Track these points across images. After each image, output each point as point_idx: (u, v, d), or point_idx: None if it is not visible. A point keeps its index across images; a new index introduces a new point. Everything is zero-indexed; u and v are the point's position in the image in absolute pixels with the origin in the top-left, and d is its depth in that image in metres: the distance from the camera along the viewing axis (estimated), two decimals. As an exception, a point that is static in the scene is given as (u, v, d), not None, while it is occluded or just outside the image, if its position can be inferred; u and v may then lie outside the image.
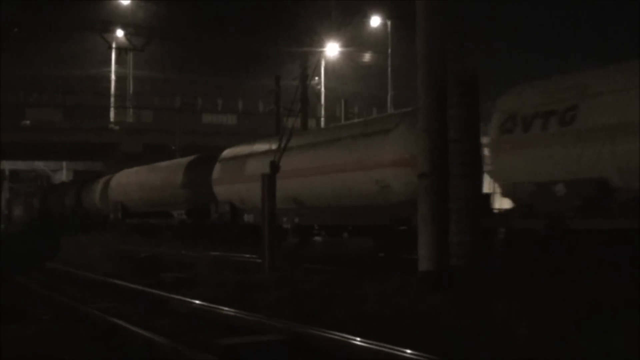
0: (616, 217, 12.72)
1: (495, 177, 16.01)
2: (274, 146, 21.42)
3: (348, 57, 60.60)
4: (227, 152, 28.38)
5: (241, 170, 25.72)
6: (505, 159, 15.17)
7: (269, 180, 16.55)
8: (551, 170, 14.23)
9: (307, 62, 36.80)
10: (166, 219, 32.38)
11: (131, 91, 61.05)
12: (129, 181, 36.99)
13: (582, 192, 13.57)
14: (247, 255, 20.77)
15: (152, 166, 36.04)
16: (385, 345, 7.18)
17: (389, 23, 59.77)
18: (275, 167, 16.84)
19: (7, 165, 79.51)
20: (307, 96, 34.81)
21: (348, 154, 19.87)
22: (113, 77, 59.94)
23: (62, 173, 76.61)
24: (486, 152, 15.83)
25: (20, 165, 77.98)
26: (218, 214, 27.55)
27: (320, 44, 55.37)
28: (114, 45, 50.53)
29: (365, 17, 58.90)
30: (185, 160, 32.10)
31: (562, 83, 15.21)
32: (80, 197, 45.32)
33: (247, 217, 25.39)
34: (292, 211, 22.32)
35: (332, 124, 24.37)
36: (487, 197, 16.70)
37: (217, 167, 27.85)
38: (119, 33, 51.40)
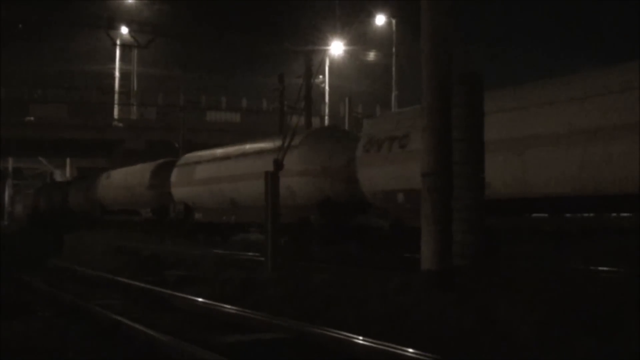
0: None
1: (361, 186, 20.39)
2: (218, 154, 29.14)
3: (352, 55, 60.60)
4: (183, 159, 33.36)
5: (192, 175, 30.48)
6: (366, 172, 20.13)
7: (272, 178, 16.53)
8: (394, 182, 18.91)
9: (312, 61, 36.78)
10: (135, 216, 36.38)
11: (135, 88, 61.09)
12: (107, 182, 40.73)
13: (414, 199, 15.59)
14: (250, 254, 20.87)
15: (126, 169, 39.63)
16: (387, 344, 7.18)
17: (393, 22, 59.74)
18: (279, 164, 16.82)
19: (11, 162, 79.73)
20: (311, 94, 34.74)
21: (268, 163, 20.95)
22: (117, 74, 60.03)
23: (66, 170, 76.67)
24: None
25: (23, 162, 78.05)
26: (175, 212, 31.90)
27: (325, 43, 55.36)
28: (118, 42, 50.54)
29: (370, 15, 58.89)
30: (153, 164, 35.86)
31: (404, 115, 20.24)
32: (68, 196, 48.11)
33: (197, 216, 30.31)
34: (230, 210, 27.34)
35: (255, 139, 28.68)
36: None
37: (175, 172, 32.28)
38: (124, 30, 51.48)
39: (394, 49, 59.56)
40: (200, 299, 11.25)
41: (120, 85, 60.84)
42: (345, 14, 59.40)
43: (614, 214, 14.45)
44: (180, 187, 31.43)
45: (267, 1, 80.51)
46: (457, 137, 11.75)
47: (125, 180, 37.97)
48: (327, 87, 58.78)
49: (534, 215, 16.23)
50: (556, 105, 15.11)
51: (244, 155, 27.12)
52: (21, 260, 13.46)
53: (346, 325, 8.45)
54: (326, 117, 58.16)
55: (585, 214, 14.71)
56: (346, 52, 59.61)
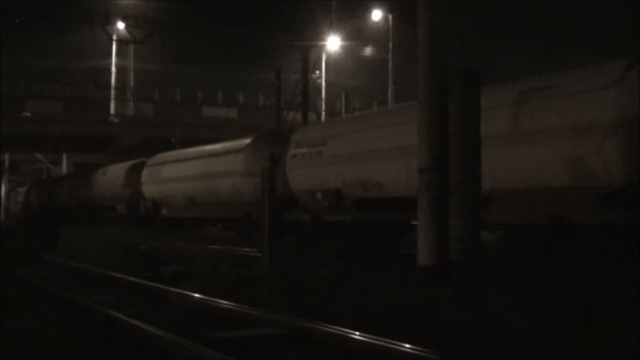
0: (344, 213, 21.74)
1: (290, 186, 23.89)
2: (180, 156, 33.96)
3: (349, 51, 60.58)
4: (151, 160, 37.02)
5: (159, 175, 34.70)
6: (294, 174, 23.93)
7: (269, 174, 16.53)
8: (314, 183, 22.96)
9: (308, 56, 36.74)
10: (111, 212, 40.31)
11: (132, 83, 61.01)
12: (88, 180, 44.85)
13: (329, 197, 22.29)
14: (247, 249, 20.88)
15: (105, 168, 43.82)
16: (383, 339, 7.18)
17: (390, 17, 59.73)
18: (275, 160, 16.84)
19: (7, 157, 79.55)
20: (307, 90, 34.68)
21: (219, 165, 28.81)
22: (114, 69, 59.91)
23: (63, 166, 76.58)
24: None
25: (20, 157, 77.92)
26: (145, 209, 36.07)
27: (322, 38, 55.33)
28: (114, 37, 50.50)
29: (367, 10, 58.87)
30: (128, 164, 39.87)
31: (323, 126, 26.85)
32: (54, 192, 51.40)
33: (164, 211, 34.40)
34: (189, 207, 31.76)
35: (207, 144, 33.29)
36: None
37: (145, 171, 36.37)
38: (120, 25, 51.43)
39: (390, 44, 59.58)
40: (196, 295, 11.25)
41: (117, 81, 60.74)
42: (341, 9, 59.39)
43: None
44: (149, 185, 35.76)
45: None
46: (454, 133, 11.75)
47: (106, 178, 41.99)
48: (323, 83, 58.75)
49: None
50: (396, 126, 19.49)
51: (201, 157, 31.65)
52: (16, 255, 13.40)
53: (343, 320, 8.45)
54: (323, 113, 58.14)
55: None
56: (343, 47, 59.59)
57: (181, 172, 32.48)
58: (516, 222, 16.26)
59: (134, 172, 37.86)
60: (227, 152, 28.93)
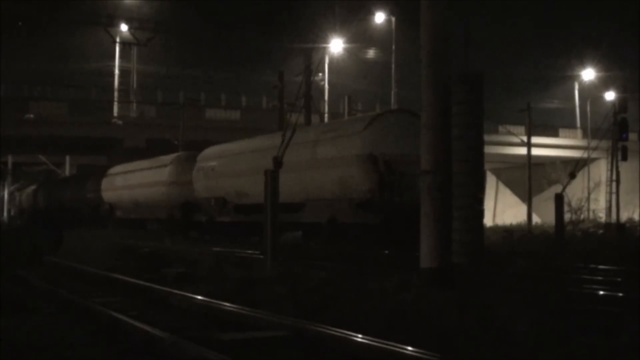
0: (228, 215, 30.09)
1: (196, 194, 32.47)
2: (128, 168, 42.15)
3: (352, 53, 60.57)
4: (109, 170, 45.44)
5: (114, 183, 43.48)
6: (197, 185, 32.47)
7: (272, 177, 16.54)
8: (209, 192, 31.22)
9: (311, 58, 36.81)
10: (78, 213, 47.23)
11: (135, 86, 61.01)
12: (63, 185, 54.80)
13: (218, 203, 30.55)
14: (250, 251, 20.89)
15: (77, 174, 57.54)
16: (386, 342, 7.18)
17: (393, 19, 59.70)
18: (278, 163, 16.84)
19: (11, 160, 79.62)
20: (310, 92, 34.75)
21: (153, 176, 37.17)
22: (117, 71, 59.92)
23: (66, 167, 76.64)
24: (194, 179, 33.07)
25: (23, 159, 77.97)
26: (104, 210, 44.94)
27: (325, 40, 55.32)
28: (118, 39, 50.43)
29: (370, 13, 58.86)
30: (97, 174, 47.88)
31: (217, 149, 32.94)
32: (38, 195, 59.12)
33: (118, 213, 43.22)
34: (135, 209, 40.12)
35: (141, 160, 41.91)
36: None
37: (104, 180, 44.90)
38: (123, 27, 51.35)
39: (393, 47, 59.54)
40: (199, 297, 11.24)
41: (120, 83, 60.74)
42: (345, 11, 59.39)
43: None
44: (107, 192, 44.40)
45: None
46: (457, 136, 11.76)
47: (76, 185, 51.71)
48: (326, 85, 58.71)
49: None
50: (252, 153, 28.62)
51: (140, 170, 39.70)
52: (20, 257, 13.41)
53: (345, 323, 8.44)
54: (326, 115, 58.13)
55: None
56: (346, 49, 59.58)
57: (128, 182, 40.88)
58: (316, 221, 23.66)
59: (96, 181, 46.23)
60: (157, 166, 37.34)
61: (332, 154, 22.31)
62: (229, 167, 30.21)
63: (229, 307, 10.12)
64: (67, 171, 75.39)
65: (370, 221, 21.85)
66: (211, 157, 32.39)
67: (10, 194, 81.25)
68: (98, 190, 45.09)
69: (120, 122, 57.28)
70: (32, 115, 55.24)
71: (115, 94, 59.98)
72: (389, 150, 22.11)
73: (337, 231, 22.64)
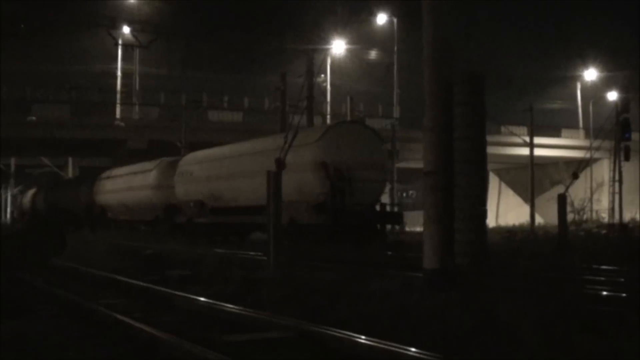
0: (205, 216, 32.55)
1: (177, 197, 35.09)
2: (114, 174, 46.32)
3: (354, 54, 60.59)
4: (101, 175, 48.74)
5: (105, 187, 46.67)
6: (178, 189, 35.08)
7: (275, 178, 16.53)
8: (188, 195, 33.94)
9: (313, 59, 36.79)
10: (74, 215, 49.28)
11: (137, 88, 61.07)
12: (60, 188, 57.18)
13: (197, 205, 32.97)
14: (252, 253, 20.91)
15: (73, 178, 61.58)
16: (389, 343, 7.18)
17: (395, 20, 59.75)
18: (280, 164, 16.84)
19: (13, 162, 79.72)
20: (313, 93, 34.77)
21: (140, 180, 40.26)
22: (119, 73, 59.98)
23: (69, 169, 76.73)
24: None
25: (26, 161, 78.09)
26: (95, 212, 48.08)
27: (327, 42, 55.36)
28: (120, 42, 50.49)
29: (372, 14, 58.90)
30: (87, 179, 52.57)
31: (196, 154, 36.15)
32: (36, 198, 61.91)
33: (109, 214, 46.17)
34: (124, 211, 43.04)
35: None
36: None
37: (96, 184, 48.40)
38: (126, 30, 51.44)
39: (395, 48, 59.58)
40: (202, 298, 11.24)
41: (122, 85, 60.78)
42: (346, 13, 59.38)
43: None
44: (98, 195, 47.82)
45: (268, 0, 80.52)
46: (459, 136, 11.76)
47: (69, 188, 54.87)
48: (328, 86, 58.74)
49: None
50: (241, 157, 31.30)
51: (127, 174, 43.02)
52: (23, 259, 13.41)
53: (349, 324, 8.45)
54: (328, 116, 58.15)
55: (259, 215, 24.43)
56: (348, 50, 59.59)
57: (117, 186, 44.01)
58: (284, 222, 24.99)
59: (90, 184, 49.89)
60: (143, 171, 40.46)
61: (291, 161, 23.47)
62: (205, 172, 33.05)
63: (232, 308, 10.12)
64: (70, 173, 75.50)
65: (323, 221, 24.79)
66: (190, 162, 35.47)
67: (13, 197, 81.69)
68: (91, 194, 48.73)
69: (122, 124, 57.32)
70: (34, 118, 55.31)
71: (118, 96, 59.99)
72: (340, 158, 25.02)
73: (297, 231, 25.08)
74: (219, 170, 31.75)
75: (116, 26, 49.35)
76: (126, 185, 42.24)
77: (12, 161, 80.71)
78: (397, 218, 28.46)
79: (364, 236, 24.28)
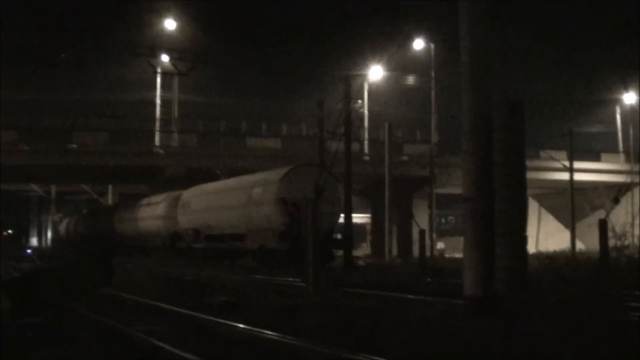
0: (200, 243, 38.73)
1: (179, 226, 40.94)
2: (135, 204, 51.59)
3: (392, 80, 60.57)
4: (121, 204, 55.89)
5: (123, 216, 52.72)
6: (180, 218, 40.98)
7: (313, 205, 16.56)
8: (188, 224, 39.97)
9: (350, 86, 36.81)
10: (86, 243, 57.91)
11: (176, 115, 61.52)
12: (91, 217, 63.99)
13: (194, 233, 39.00)
14: (290, 279, 20.93)
15: (100, 208, 69.97)
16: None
17: (432, 46, 59.72)
18: (319, 190, 16.87)
19: (54, 189, 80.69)
20: (350, 119, 34.76)
21: (149, 212, 46.77)
22: (158, 101, 60.45)
23: (109, 196, 77.48)
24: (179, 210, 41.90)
25: (66, 188, 79.00)
26: (117, 239, 52.38)
27: (364, 67, 55.42)
28: (159, 70, 50.96)
29: (409, 40, 58.90)
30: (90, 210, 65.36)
31: (196, 189, 41.74)
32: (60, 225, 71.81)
33: (127, 241, 50.61)
34: (139, 238, 48.86)
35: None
36: None
37: (116, 214, 53.87)
38: (165, 58, 51.92)
39: (432, 73, 59.52)
40: (241, 325, 11.26)
41: (161, 112, 61.25)
42: (384, 39, 59.48)
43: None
44: (117, 223, 53.44)
45: (306, 27, 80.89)
46: (498, 161, 11.69)
47: (99, 217, 60.20)
48: (366, 112, 58.72)
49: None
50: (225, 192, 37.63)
51: (140, 206, 49.57)
52: (72, 289, 13.47)
53: (390, 352, 8.40)
54: (365, 142, 58.11)
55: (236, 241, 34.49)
56: (386, 76, 59.59)
57: (133, 215, 49.65)
58: (254, 247, 32.70)
59: (108, 214, 56.45)
60: (154, 203, 46.39)
61: (260, 196, 31.68)
62: (201, 204, 38.97)
63: (272, 335, 10.12)
64: (110, 200, 76.19)
65: (284, 247, 30.07)
66: (190, 195, 41.24)
67: (53, 223, 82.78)
68: (111, 223, 54.17)
69: (161, 151, 57.75)
70: (75, 145, 55.93)
71: (157, 123, 60.46)
72: (296, 195, 28.65)
73: (266, 255, 31.44)
74: (210, 203, 37.84)
75: (155, 54, 49.82)
76: (141, 215, 48.12)
77: (53, 188, 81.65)
78: (346, 243, 32.38)
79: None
